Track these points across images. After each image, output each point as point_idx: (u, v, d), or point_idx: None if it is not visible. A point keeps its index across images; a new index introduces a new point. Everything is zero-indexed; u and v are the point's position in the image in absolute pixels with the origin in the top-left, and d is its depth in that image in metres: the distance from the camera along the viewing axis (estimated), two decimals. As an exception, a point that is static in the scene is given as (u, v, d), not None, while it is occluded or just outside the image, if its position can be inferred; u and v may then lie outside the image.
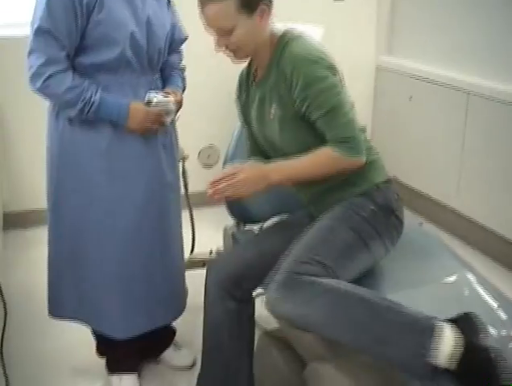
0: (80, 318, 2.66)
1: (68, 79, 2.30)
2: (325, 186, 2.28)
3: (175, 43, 2.63)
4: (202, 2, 2.13)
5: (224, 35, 2.15)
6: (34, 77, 2.30)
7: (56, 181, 2.51)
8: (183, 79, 2.69)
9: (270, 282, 2.07)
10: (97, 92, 2.33)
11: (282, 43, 2.22)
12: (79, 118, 2.37)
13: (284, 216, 2.54)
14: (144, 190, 2.52)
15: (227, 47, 2.19)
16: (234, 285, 2.32)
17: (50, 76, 2.28)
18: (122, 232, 2.51)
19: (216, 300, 2.37)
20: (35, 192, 4.03)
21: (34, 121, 3.88)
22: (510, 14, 3.77)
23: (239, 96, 2.48)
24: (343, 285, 2.00)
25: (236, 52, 2.21)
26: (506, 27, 3.80)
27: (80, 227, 2.51)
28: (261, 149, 2.47)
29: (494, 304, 2.25)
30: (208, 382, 2.45)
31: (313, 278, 2.00)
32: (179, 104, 2.58)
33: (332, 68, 2.17)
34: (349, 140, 2.15)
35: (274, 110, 2.23)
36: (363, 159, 2.18)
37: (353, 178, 2.25)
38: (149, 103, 2.42)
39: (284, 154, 2.28)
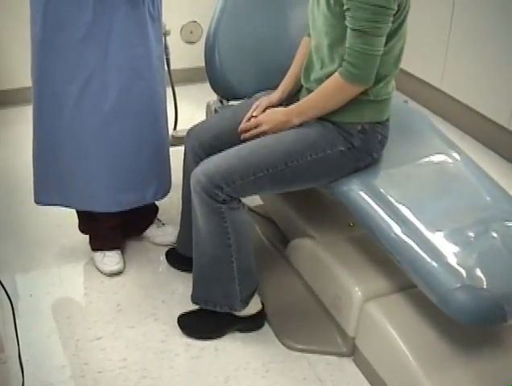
0: (68, 203, 2.65)
1: None
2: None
3: None
4: None
5: None
6: None
7: (39, 55, 2.43)
8: None
9: (207, 162, 2.21)
10: None
11: None
12: None
13: (270, 92, 2.50)
14: (131, 61, 2.44)
15: None
16: (206, 153, 2.38)
17: None
18: (108, 105, 2.45)
19: (191, 165, 2.44)
20: (15, 71, 3.97)
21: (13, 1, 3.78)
22: None
23: None
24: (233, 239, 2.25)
25: None
26: None
27: (64, 103, 2.45)
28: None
29: (479, 185, 2.26)
30: (183, 242, 2.66)
31: (218, 208, 2.18)
32: None
33: None
34: (357, 68, 2.05)
35: None
36: (367, 86, 2.11)
37: (352, 102, 2.16)
38: None
39: (317, 39, 2.22)
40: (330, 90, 2.14)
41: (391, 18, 2.02)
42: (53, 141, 2.53)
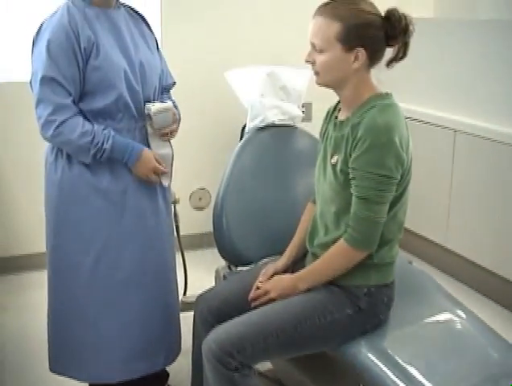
0: (81, 377, 2.64)
1: (79, 124, 2.33)
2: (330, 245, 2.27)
3: (164, 87, 2.69)
4: (316, 11, 2.17)
5: (314, 51, 2.18)
6: (44, 126, 2.34)
7: (54, 227, 2.52)
8: (177, 108, 2.69)
9: (218, 330, 2.21)
10: (108, 139, 2.35)
11: (371, 104, 2.16)
12: (92, 162, 2.39)
13: (276, 257, 2.57)
14: (142, 232, 2.54)
15: (313, 65, 2.20)
16: (215, 319, 2.39)
17: (61, 124, 2.31)
18: (120, 275, 2.52)
19: (200, 330, 2.46)
20: (31, 237, 4.06)
21: (30, 166, 3.92)
22: (492, 59, 3.86)
23: (323, 124, 2.44)
24: None
25: (317, 75, 2.22)
26: (489, 70, 3.89)
27: (78, 274, 2.51)
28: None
29: (486, 342, 2.28)
30: None
31: (231, 375, 2.14)
32: (178, 120, 2.62)
33: (399, 160, 2.09)
34: (361, 234, 2.14)
35: (337, 159, 2.21)
36: (370, 251, 2.19)
37: (357, 265, 2.21)
38: (149, 116, 2.46)
39: (323, 206, 2.31)
40: (335, 256, 2.21)
41: (395, 187, 2.12)
42: (67, 312, 2.56)
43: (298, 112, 3.15)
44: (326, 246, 2.25)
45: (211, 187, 4.28)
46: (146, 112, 2.47)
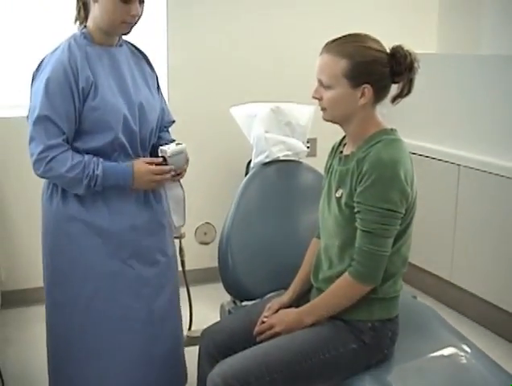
0: None
1: (69, 158, 2.33)
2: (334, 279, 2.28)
3: (163, 125, 2.71)
4: (323, 48, 2.21)
5: (321, 87, 2.21)
6: (36, 164, 2.35)
7: (51, 263, 2.54)
8: None
9: (222, 364, 2.21)
10: (98, 165, 2.36)
11: (376, 139, 2.19)
12: (87, 193, 2.40)
13: (281, 292, 2.58)
14: (142, 268, 2.54)
15: (320, 101, 2.24)
16: (220, 353, 2.39)
17: (51, 159, 2.32)
18: (120, 311, 2.51)
19: (205, 365, 2.45)
20: (34, 271, 4.03)
21: (32, 200, 3.90)
22: (495, 94, 3.91)
23: (328, 159, 2.47)
24: None
25: (324, 111, 2.25)
26: (492, 105, 3.94)
27: (74, 309, 2.51)
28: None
29: (491, 376, 2.27)
30: None
31: None
32: (188, 160, 2.61)
33: (404, 195, 2.12)
34: (365, 267, 2.15)
35: (341, 193, 2.23)
36: (375, 285, 2.20)
37: (361, 300, 2.22)
38: (164, 158, 2.47)
39: (327, 240, 2.33)
40: (339, 289, 2.22)
41: (399, 221, 2.14)
42: (65, 349, 2.57)
43: (303, 147, 3.18)
44: (330, 280, 2.27)
45: (216, 222, 4.29)
46: (160, 154, 2.48)
